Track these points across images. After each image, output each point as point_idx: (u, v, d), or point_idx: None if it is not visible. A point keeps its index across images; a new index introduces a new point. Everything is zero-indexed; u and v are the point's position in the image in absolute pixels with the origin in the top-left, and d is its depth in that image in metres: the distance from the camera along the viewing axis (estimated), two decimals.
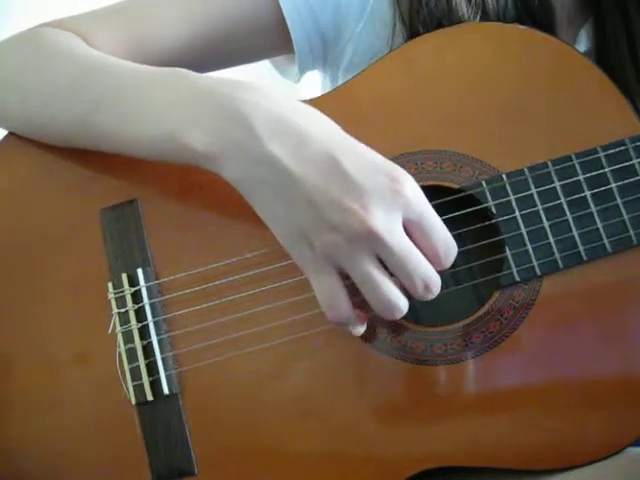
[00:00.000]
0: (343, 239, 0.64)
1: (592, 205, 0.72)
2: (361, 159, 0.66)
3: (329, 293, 0.67)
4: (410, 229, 0.66)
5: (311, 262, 0.67)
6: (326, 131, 0.67)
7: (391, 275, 0.66)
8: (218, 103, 0.68)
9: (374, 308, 0.67)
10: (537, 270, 0.71)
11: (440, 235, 0.67)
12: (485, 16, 0.81)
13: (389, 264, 0.66)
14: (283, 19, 0.83)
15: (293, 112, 0.68)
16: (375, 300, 0.66)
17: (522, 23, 0.79)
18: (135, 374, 0.73)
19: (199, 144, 0.68)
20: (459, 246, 0.70)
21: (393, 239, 0.64)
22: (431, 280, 0.66)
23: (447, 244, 0.67)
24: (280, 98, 0.69)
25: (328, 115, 0.70)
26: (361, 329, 0.70)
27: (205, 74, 0.72)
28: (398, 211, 0.65)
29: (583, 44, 0.88)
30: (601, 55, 0.84)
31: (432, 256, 0.67)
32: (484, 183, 0.73)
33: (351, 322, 0.68)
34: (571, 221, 0.72)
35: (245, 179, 0.68)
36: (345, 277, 0.67)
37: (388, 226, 0.64)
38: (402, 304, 0.67)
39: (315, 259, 0.66)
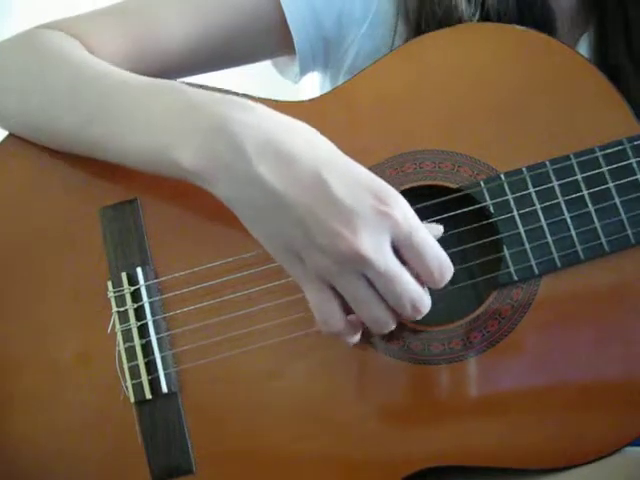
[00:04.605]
0: (332, 262, 0.64)
1: (590, 204, 0.72)
2: (348, 178, 0.65)
3: (323, 308, 0.67)
4: (401, 250, 0.65)
5: (304, 277, 0.67)
6: (314, 150, 0.66)
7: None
8: (209, 121, 0.68)
9: (365, 322, 0.68)
10: (535, 269, 0.72)
11: (432, 254, 0.66)
12: (485, 15, 0.81)
13: (377, 286, 0.66)
14: (286, 21, 0.83)
15: (282, 131, 0.67)
16: (365, 316, 0.67)
17: (523, 24, 0.79)
18: (134, 372, 0.73)
19: (187, 161, 0.68)
20: (457, 245, 0.70)
21: (380, 262, 0.64)
22: (419, 302, 0.66)
23: (441, 262, 0.66)
24: (271, 117, 0.68)
25: (327, 115, 0.70)
26: (354, 338, 0.70)
27: (200, 89, 0.72)
28: (386, 233, 0.64)
29: (583, 51, 0.88)
30: (601, 57, 0.85)
31: (426, 276, 0.66)
32: (482, 182, 0.73)
33: (345, 334, 0.69)
34: (569, 220, 0.72)
35: (233, 198, 0.68)
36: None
37: (375, 249, 0.64)
38: (390, 322, 0.67)
39: (308, 275, 0.67)
